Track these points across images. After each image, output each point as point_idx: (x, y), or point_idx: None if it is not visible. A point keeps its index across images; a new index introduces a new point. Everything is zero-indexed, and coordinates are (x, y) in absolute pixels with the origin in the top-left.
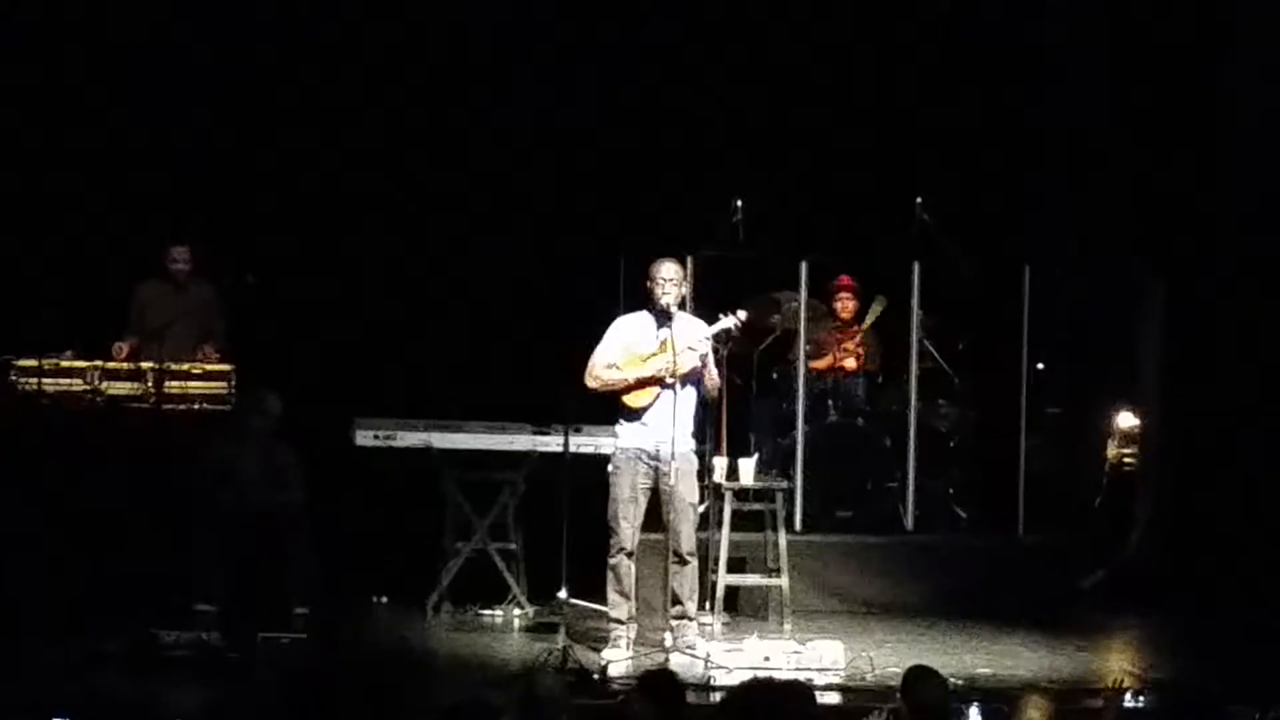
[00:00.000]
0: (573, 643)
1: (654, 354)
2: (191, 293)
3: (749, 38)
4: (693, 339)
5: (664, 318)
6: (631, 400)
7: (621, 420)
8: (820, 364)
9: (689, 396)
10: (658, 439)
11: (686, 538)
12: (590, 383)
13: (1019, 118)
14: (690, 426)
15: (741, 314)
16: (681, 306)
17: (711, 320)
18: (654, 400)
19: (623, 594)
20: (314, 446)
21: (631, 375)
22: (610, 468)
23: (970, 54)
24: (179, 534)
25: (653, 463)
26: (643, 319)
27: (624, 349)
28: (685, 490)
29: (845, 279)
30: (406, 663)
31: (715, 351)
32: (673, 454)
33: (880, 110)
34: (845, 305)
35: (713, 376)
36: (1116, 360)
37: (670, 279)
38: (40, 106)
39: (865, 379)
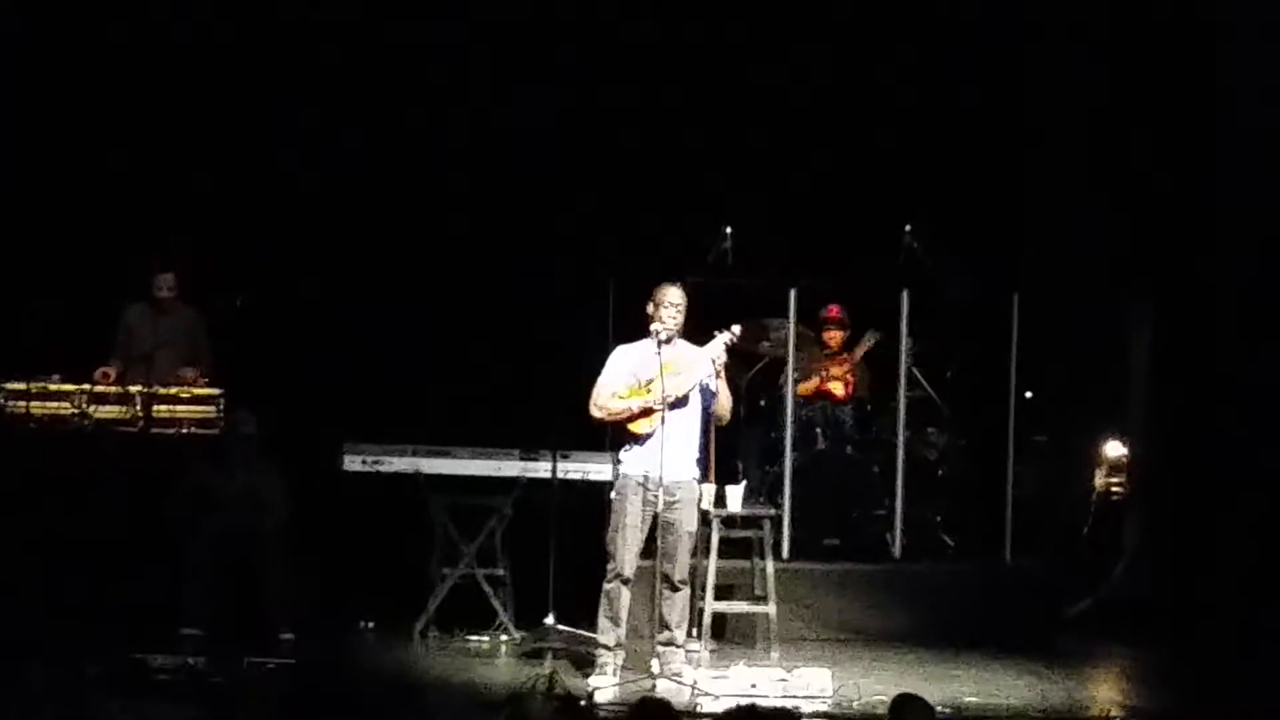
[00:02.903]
0: (560, 668)
1: (652, 382)
2: (175, 319)
3: (739, 63)
4: (699, 359)
5: (662, 343)
6: (636, 427)
7: (626, 447)
8: (807, 386)
9: (690, 424)
10: (661, 467)
11: (681, 565)
12: (595, 413)
13: (1008, 144)
14: (694, 454)
15: (736, 329)
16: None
17: (703, 343)
18: (657, 427)
19: (613, 620)
20: (302, 471)
21: (635, 404)
22: (613, 494)
23: (959, 81)
24: (166, 558)
25: (656, 490)
26: (642, 347)
27: (626, 377)
28: (686, 519)
29: (834, 310)
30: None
31: (717, 373)
32: (660, 478)
33: (869, 137)
34: (833, 335)
35: (724, 399)
36: (1105, 389)
37: (676, 304)
38: (27, 130)
39: (854, 407)
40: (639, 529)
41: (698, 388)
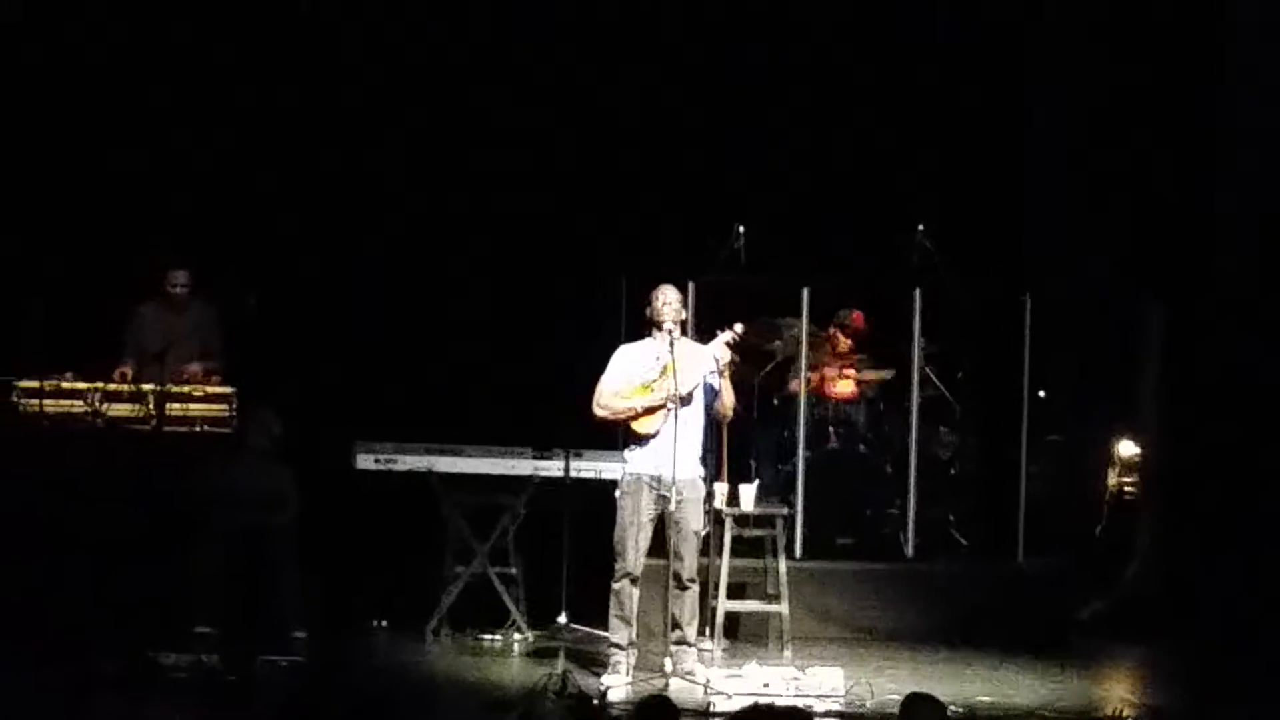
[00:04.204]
0: (572, 668)
1: (656, 380)
2: (190, 315)
3: (753, 63)
4: (704, 356)
5: (664, 341)
6: (640, 427)
7: (630, 446)
8: (812, 379)
9: (695, 422)
10: (666, 465)
11: (689, 564)
12: (598, 411)
13: (1019, 145)
14: (698, 452)
15: (739, 327)
16: (682, 332)
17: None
18: (662, 426)
19: (624, 619)
20: (314, 469)
21: (638, 403)
22: (618, 493)
23: (970, 80)
24: (178, 556)
25: (661, 489)
26: (645, 346)
27: (629, 377)
28: (691, 517)
29: (858, 317)
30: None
31: (721, 372)
32: (672, 477)
33: (882, 137)
34: (842, 341)
35: (727, 397)
36: (1117, 388)
37: (669, 302)
38: (39, 127)
39: (866, 405)
40: (644, 528)
41: (701, 386)
